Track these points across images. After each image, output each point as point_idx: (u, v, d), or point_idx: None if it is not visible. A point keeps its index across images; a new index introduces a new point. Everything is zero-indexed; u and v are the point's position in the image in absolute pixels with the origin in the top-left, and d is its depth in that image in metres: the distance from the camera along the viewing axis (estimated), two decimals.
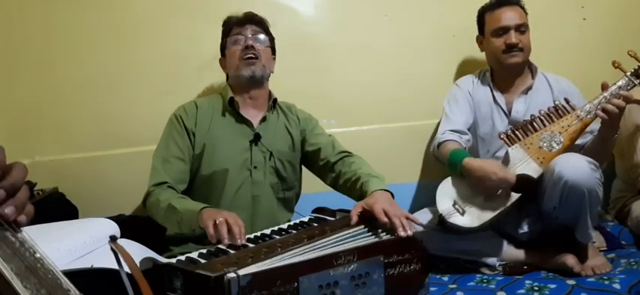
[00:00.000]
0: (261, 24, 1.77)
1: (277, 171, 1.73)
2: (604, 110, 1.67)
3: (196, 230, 1.45)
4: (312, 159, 1.81)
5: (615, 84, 1.73)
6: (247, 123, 1.73)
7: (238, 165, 1.69)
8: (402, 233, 1.30)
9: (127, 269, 1.25)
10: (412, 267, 1.30)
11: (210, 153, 1.68)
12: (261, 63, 1.72)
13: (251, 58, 1.70)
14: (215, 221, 1.35)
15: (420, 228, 1.42)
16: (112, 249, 1.00)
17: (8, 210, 0.54)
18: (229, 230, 1.34)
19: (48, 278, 0.55)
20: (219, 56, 1.84)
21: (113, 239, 1.04)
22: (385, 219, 1.34)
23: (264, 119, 1.75)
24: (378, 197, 1.44)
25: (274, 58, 1.82)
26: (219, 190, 1.68)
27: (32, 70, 1.98)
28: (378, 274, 1.24)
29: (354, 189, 1.62)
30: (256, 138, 1.70)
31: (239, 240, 1.31)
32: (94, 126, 2.02)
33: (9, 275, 0.52)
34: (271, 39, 1.81)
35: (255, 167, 1.70)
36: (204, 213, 1.42)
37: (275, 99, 1.80)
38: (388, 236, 1.32)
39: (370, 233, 1.34)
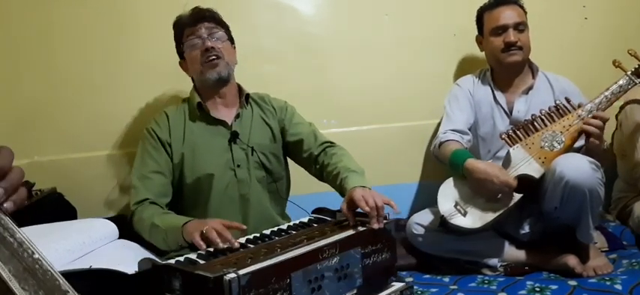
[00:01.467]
0: (213, 19, 1.69)
1: (263, 165, 1.70)
2: (584, 131, 1.69)
3: (184, 246, 1.41)
4: (295, 150, 1.78)
5: (616, 83, 1.73)
6: (222, 123, 1.69)
7: (221, 167, 1.65)
8: (374, 226, 1.33)
9: (128, 270, 1.25)
10: (384, 256, 1.36)
11: (190, 160, 1.65)
12: (224, 61, 1.66)
13: (213, 59, 1.64)
14: (202, 232, 1.31)
15: (397, 215, 1.47)
16: None
17: None
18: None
19: (46, 280, 0.54)
20: (180, 60, 1.76)
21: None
22: (367, 208, 1.35)
23: (238, 116, 1.71)
24: (356, 189, 1.43)
25: (234, 48, 1.75)
26: (205, 196, 1.65)
27: (31, 69, 1.97)
28: (357, 264, 1.29)
29: (335, 182, 1.60)
30: (234, 137, 1.67)
31: (235, 243, 1.28)
32: (93, 126, 2.01)
33: (7, 276, 0.51)
34: (227, 30, 1.73)
35: (238, 166, 1.66)
36: (188, 227, 1.38)
37: (247, 95, 1.76)
38: (363, 228, 1.35)
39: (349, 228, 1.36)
